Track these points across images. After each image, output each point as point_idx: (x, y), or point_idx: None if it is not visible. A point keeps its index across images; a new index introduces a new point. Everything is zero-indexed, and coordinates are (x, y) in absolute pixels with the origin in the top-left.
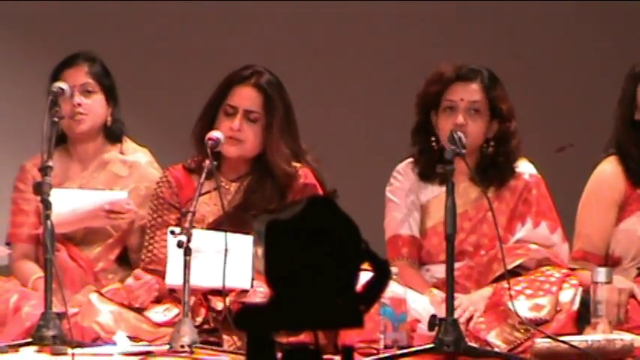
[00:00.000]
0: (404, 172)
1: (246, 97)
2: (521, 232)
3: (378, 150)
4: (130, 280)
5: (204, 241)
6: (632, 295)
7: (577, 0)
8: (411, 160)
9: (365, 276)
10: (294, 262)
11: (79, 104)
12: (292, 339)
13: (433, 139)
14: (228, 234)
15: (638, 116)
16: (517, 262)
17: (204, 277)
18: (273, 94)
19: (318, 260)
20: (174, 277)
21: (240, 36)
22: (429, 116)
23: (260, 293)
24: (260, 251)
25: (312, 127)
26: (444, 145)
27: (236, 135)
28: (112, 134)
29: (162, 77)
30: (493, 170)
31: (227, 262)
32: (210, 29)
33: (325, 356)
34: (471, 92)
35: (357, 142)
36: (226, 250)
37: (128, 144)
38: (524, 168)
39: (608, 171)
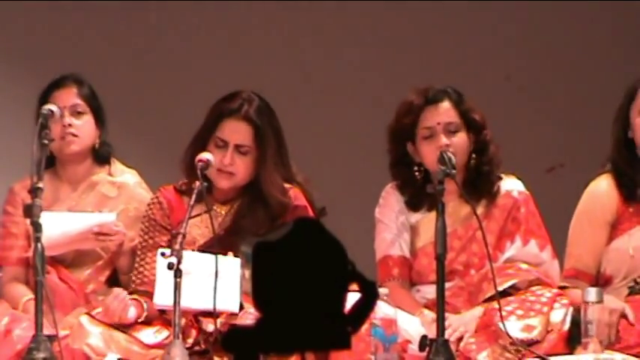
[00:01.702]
0: (392, 193)
1: (236, 131)
2: (511, 250)
3: (368, 170)
4: (107, 298)
5: (195, 263)
6: (623, 315)
7: (566, 22)
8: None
9: (352, 297)
10: (282, 283)
11: (70, 125)
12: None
13: (416, 168)
14: (219, 256)
15: (632, 135)
16: (508, 284)
17: (194, 299)
18: (263, 125)
19: (306, 282)
20: (162, 298)
21: (229, 54)
22: (405, 148)
23: (251, 315)
24: (248, 273)
25: (303, 146)
26: (429, 170)
27: (228, 169)
28: (100, 156)
29: (149, 99)
30: (480, 182)
31: (218, 285)
32: (200, 50)
33: None
34: (444, 113)
35: (348, 161)
36: (217, 272)
37: (116, 165)
38: (513, 185)
39: (602, 189)
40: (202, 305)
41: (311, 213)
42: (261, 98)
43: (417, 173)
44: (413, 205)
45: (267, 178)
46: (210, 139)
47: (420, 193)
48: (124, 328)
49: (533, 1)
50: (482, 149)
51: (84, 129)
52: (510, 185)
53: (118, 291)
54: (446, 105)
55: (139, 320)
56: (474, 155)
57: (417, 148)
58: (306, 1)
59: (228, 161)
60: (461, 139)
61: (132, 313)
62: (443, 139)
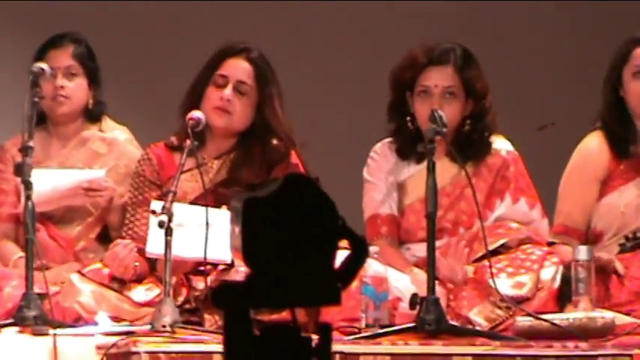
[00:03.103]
0: (381, 153)
1: (239, 68)
2: (501, 208)
3: (356, 132)
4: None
5: (186, 214)
6: (614, 270)
7: None
8: (387, 140)
9: (343, 253)
10: (271, 239)
11: (62, 87)
12: (271, 317)
13: (409, 118)
14: (210, 208)
15: (623, 93)
16: (499, 243)
17: (186, 248)
18: (265, 68)
19: (296, 238)
20: (154, 246)
21: (226, 18)
22: (404, 95)
23: (241, 272)
24: (237, 229)
25: (292, 110)
26: (420, 126)
27: (225, 106)
28: (93, 114)
29: (142, 57)
30: (469, 146)
31: (208, 235)
32: (195, 11)
33: (305, 334)
34: (444, 77)
35: (336, 124)
36: (207, 223)
37: (107, 122)
38: (502, 145)
39: (592, 146)
40: (194, 254)
41: (304, 172)
42: (262, 52)
43: (409, 123)
44: (403, 154)
45: (268, 117)
46: (210, 79)
47: (411, 142)
48: (117, 285)
49: None
50: (479, 117)
51: (76, 91)
52: (499, 145)
53: (125, 242)
54: (448, 70)
55: (133, 279)
56: (468, 121)
57: (413, 100)
58: None
59: (228, 97)
60: (454, 105)
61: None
62: (435, 102)
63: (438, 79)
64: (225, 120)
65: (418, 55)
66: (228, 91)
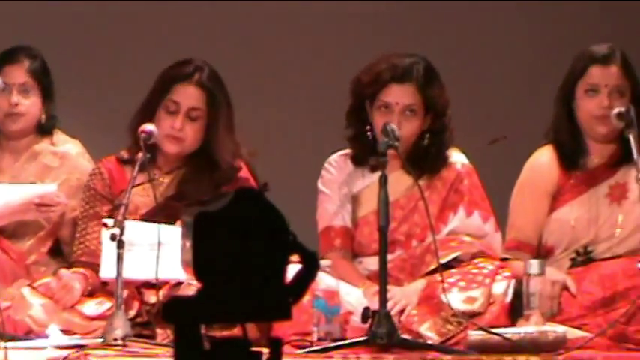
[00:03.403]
0: (336, 164)
1: (189, 95)
2: (454, 222)
3: (310, 143)
4: (52, 282)
5: (138, 233)
6: (565, 287)
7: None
8: (343, 152)
9: (293, 268)
10: (222, 253)
11: (17, 104)
12: (222, 332)
13: (368, 127)
14: (161, 226)
15: (574, 107)
16: (451, 256)
17: (138, 269)
18: (215, 90)
19: (246, 252)
20: (109, 270)
21: (174, 29)
22: (364, 103)
23: (193, 286)
24: (188, 243)
25: (246, 119)
26: (376, 137)
27: (177, 134)
28: (45, 128)
29: (94, 69)
30: (426, 160)
31: (160, 254)
32: (144, 23)
33: (255, 348)
34: (406, 95)
35: (290, 135)
36: (159, 242)
37: (59, 136)
38: (457, 158)
39: (542, 160)
40: (146, 275)
41: (254, 185)
42: (211, 67)
43: (368, 133)
44: (359, 161)
45: (219, 142)
46: (161, 104)
47: (367, 150)
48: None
49: None
50: (438, 132)
51: (30, 108)
52: (454, 158)
53: (64, 277)
54: (410, 87)
55: (84, 294)
56: (427, 135)
57: (372, 110)
58: None
59: (179, 126)
60: (414, 122)
61: (77, 292)
62: (395, 119)
63: (400, 96)
64: (177, 147)
65: (381, 71)
66: (179, 120)
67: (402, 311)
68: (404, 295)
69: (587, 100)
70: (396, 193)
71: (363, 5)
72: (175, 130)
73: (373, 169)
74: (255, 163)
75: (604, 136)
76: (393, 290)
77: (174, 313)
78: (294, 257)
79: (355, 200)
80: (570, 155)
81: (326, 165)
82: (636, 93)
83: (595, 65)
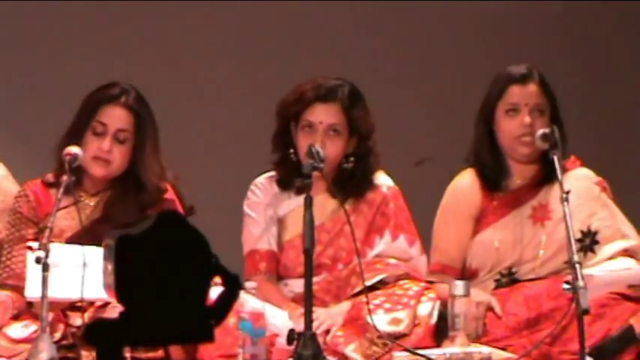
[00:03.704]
0: (262, 187)
1: (117, 117)
2: (380, 245)
3: (237, 165)
4: None
5: (63, 254)
6: (490, 308)
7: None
8: (269, 174)
9: (216, 290)
10: (144, 276)
11: None
12: (147, 354)
13: (292, 150)
14: (86, 247)
15: (495, 129)
16: (377, 279)
17: (63, 289)
18: (142, 112)
19: (169, 274)
20: (33, 291)
21: (98, 52)
22: (289, 126)
23: (118, 309)
24: (110, 266)
25: (171, 142)
26: (301, 159)
27: (105, 156)
28: None
29: (16, 93)
30: (351, 184)
31: (85, 274)
32: (68, 39)
33: None
34: (330, 114)
35: (215, 157)
36: (84, 263)
37: None
38: (382, 181)
39: (465, 183)
40: (71, 295)
41: (180, 207)
42: (137, 91)
43: (292, 155)
44: (284, 184)
45: (146, 164)
46: (88, 126)
47: (292, 174)
48: None
49: None
50: (362, 155)
51: None
52: (380, 180)
53: (1, 298)
54: (334, 107)
55: (10, 317)
56: (352, 158)
57: (297, 132)
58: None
59: (107, 147)
60: (337, 142)
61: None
62: (318, 139)
63: (323, 115)
64: (104, 170)
65: (306, 91)
66: (107, 142)
67: (327, 332)
68: (329, 316)
69: (508, 120)
70: (321, 216)
71: (291, 30)
72: (103, 151)
73: (298, 192)
74: (180, 185)
75: (526, 156)
76: (318, 311)
77: (97, 335)
78: (217, 279)
79: (281, 223)
80: (492, 177)
81: (251, 187)
82: (555, 112)
83: (514, 85)
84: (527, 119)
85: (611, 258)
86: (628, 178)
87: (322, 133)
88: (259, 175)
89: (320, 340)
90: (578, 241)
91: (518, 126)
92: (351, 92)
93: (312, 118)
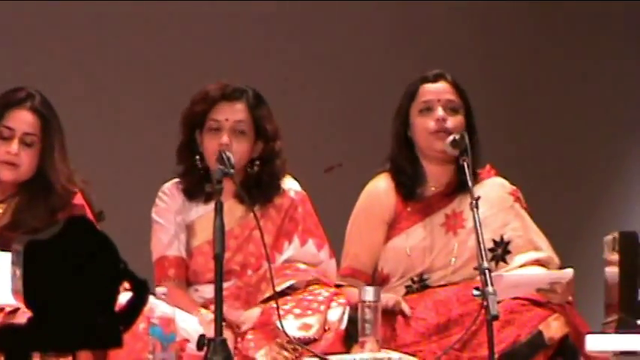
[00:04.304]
0: (169, 193)
1: (24, 120)
2: (289, 251)
3: (146, 170)
4: None
5: None
6: (400, 311)
7: (345, 21)
8: (176, 180)
9: (124, 296)
10: (53, 282)
11: None
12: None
13: (198, 157)
14: None
15: (410, 134)
16: (287, 284)
17: None
18: (49, 116)
19: (77, 280)
20: None
21: (18, 46)
22: (194, 135)
23: (28, 314)
24: (18, 271)
25: (79, 147)
26: (208, 164)
27: (13, 159)
28: None
29: None
30: (258, 189)
31: None
32: None
33: None
34: (236, 112)
35: (123, 162)
36: None
37: None
38: (290, 185)
39: (379, 188)
40: None
41: (89, 212)
42: (43, 95)
43: (198, 162)
44: (191, 195)
45: (55, 167)
46: None
47: (199, 182)
48: None
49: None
50: (268, 160)
51: None
52: (287, 185)
53: None
54: (240, 106)
55: None
56: (257, 162)
57: (202, 138)
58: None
59: (15, 150)
60: (244, 142)
61: None
62: (225, 137)
63: (229, 113)
64: (13, 173)
65: (211, 90)
66: (15, 145)
67: (236, 338)
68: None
69: (423, 119)
70: (230, 222)
71: (201, 32)
72: (11, 155)
73: (208, 199)
74: (90, 190)
75: (441, 152)
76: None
77: (5, 341)
78: (126, 285)
79: (189, 229)
80: (408, 184)
81: (159, 194)
82: (469, 117)
83: (426, 84)
84: (441, 113)
85: (522, 266)
86: (543, 188)
87: (229, 131)
88: (167, 181)
89: (230, 345)
90: (490, 250)
91: (431, 121)
92: (255, 94)
93: (218, 117)
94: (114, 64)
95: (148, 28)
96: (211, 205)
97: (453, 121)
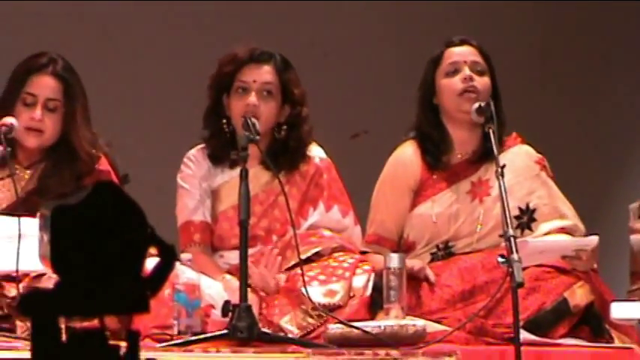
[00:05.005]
0: (195, 159)
1: (46, 85)
2: (314, 216)
3: (171, 136)
4: None
5: None
6: (425, 277)
7: None
8: (202, 146)
9: (152, 261)
10: (80, 247)
11: None
12: (82, 324)
13: (224, 121)
14: (22, 218)
15: (437, 100)
16: (312, 252)
17: None
18: (72, 81)
19: (104, 245)
20: None
21: (23, 19)
22: (221, 99)
23: (53, 279)
24: (45, 237)
25: (106, 112)
26: (235, 129)
27: (37, 125)
28: None
29: None
30: (284, 155)
31: (21, 245)
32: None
33: (114, 342)
34: (263, 74)
35: (149, 128)
36: (20, 234)
37: None
38: (315, 152)
39: (406, 155)
40: (6, 267)
41: (114, 177)
42: (66, 60)
43: (225, 126)
44: (217, 159)
45: (78, 132)
46: (18, 97)
47: (225, 147)
48: None
49: None
50: (295, 124)
51: None
52: (312, 152)
53: None
54: (268, 68)
55: None
56: (285, 127)
57: (229, 101)
58: None
59: (39, 117)
60: (271, 104)
61: None
62: (252, 98)
63: (257, 75)
64: (38, 139)
65: (239, 52)
66: (38, 111)
67: (260, 304)
68: (261, 280)
69: (449, 80)
70: (255, 188)
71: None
72: (35, 121)
73: (233, 164)
74: (114, 154)
75: (469, 113)
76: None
77: (32, 306)
78: (153, 250)
79: (215, 195)
80: (434, 151)
81: (185, 159)
82: (494, 85)
83: (451, 47)
84: (468, 72)
85: (547, 234)
86: (568, 156)
87: (256, 92)
88: (193, 147)
89: (255, 310)
90: (516, 218)
91: (459, 81)
92: (283, 58)
93: (246, 78)
94: (138, 28)
95: None
96: (236, 171)
97: (480, 82)
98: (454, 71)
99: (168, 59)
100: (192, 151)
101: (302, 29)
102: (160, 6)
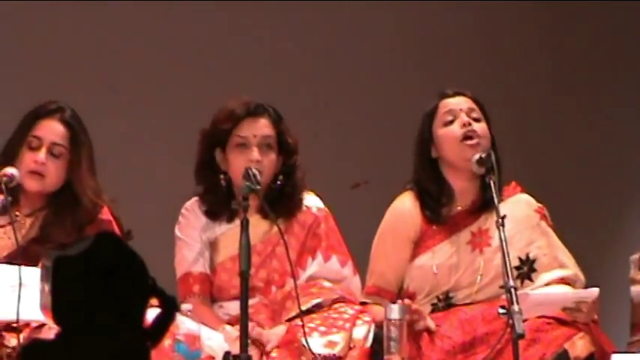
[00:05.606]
0: (192, 210)
1: (52, 130)
2: (313, 267)
3: (171, 188)
4: None
5: None
6: (426, 327)
7: (368, 32)
8: (197, 198)
9: (152, 312)
10: (81, 298)
11: None
12: None
13: (221, 176)
14: (23, 267)
15: (435, 154)
16: (312, 303)
17: None
18: (78, 129)
19: (105, 296)
20: None
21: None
22: (213, 153)
23: (54, 330)
24: (47, 287)
25: (107, 165)
26: (233, 181)
27: (40, 169)
28: None
29: None
30: (281, 202)
31: (21, 295)
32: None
33: None
34: (262, 128)
35: (150, 179)
36: (20, 283)
37: None
38: (312, 202)
39: (405, 206)
40: (6, 316)
41: (116, 228)
42: (74, 111)
43: (222, 181)
44: (212, 213)
45: (81, 179)
46: (24, 140)
47: (222, 201)
48: None
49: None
50: (290, 173)
51: None
52: (310, 202)
53: None
54: (265, 121)
55: None
56: (280, 177)
57: (226, 156)
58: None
59: (42, 160)
60: (271, 156)
61: None
62: (255, 153)
63: (255, 129)
64: (39, 183)
65: (235, 108)
66: (42, 154)
67: (260, 355)
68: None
69: (448, 129)
70: (253, 238)
71: (224, 47)
72: (38, 164)
73: (230, 218)
74: (116, 209)
75: (470, 161)
76: (262, 331)
77: (32, 357)
78: (154, 301)
79: (213, 246)
80: (433, 205)
81: (183, 211)
82: (489, 127)
83: (446, 98)
84: (466, 118)
85: (547, 285)
86: (568, 206)
87: (257, 147)
88: (188, 199)
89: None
90: (516, 268)
91: (458, 128)
92: (274, 110)
93: (245, 133)
94: (143, 83)
95: (171, 45)
96: (234, 222)
97: (479, 129)
98: (451, 120)
99: (167, 113)
100: (189, 203)
101: (303, 79)
102: (166, 61)
